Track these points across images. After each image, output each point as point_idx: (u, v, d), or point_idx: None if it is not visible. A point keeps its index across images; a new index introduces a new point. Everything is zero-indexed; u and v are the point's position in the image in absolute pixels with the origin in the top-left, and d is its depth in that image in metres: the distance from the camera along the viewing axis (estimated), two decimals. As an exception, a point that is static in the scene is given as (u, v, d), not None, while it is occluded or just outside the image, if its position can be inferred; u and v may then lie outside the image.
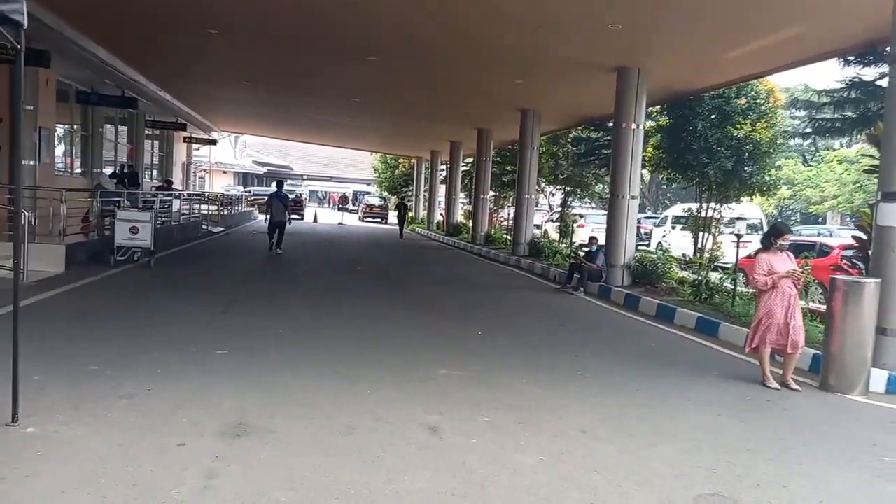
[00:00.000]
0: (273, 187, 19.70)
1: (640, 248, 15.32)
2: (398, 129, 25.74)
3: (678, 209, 20.93)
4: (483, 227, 22.17)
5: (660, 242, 19.84)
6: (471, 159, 26.19)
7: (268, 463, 3.51)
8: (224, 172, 50.59)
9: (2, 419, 3.77)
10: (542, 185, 24.50)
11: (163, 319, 6.99)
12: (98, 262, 10.52)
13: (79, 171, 18.99)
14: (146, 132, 26.42)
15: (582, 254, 12.87)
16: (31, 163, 14.67)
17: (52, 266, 9.50)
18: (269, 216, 15.60)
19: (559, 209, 24.56)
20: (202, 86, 20.62)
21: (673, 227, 19.93)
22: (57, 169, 16.77)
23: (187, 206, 20.60)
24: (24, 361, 3.95)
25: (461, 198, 29.63)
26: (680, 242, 17.14)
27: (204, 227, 21.37)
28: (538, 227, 26.63)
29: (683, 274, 12.03)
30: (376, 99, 18.95)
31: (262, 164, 55.12)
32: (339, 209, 36.14)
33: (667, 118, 15.26)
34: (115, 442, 3.64)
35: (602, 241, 12.68)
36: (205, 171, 43.64)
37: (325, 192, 64.98)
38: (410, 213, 36.45)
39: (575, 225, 21.98)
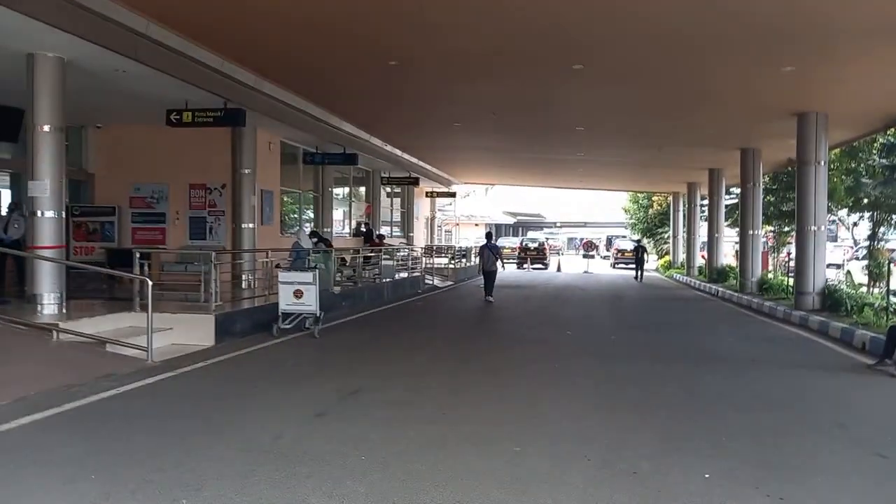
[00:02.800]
0: (484, 238, 18.67)
1: None
2: (645, 161, 22.23)
3: None
4: (755, 272, 17.46)
5: None
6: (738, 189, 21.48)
7: None
8: (476, 225, 51.11)
9: None
10: (838, 212, 18.86)
11: (231, 423, 5.06)
12: (264, 331, 9.32)
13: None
14: (385, 189, 26.97)
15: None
16: (251, 225, 14.76)
17: (202, 339, 8.44)
18: (480, 265, 16.69)
19: (866, 243, 18.54)
20: (427, 139, 19.85)
21: None
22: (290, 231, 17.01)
23: (406, 262, 19.63)
24: None
25: (729, 235, 24.66)
26: None
27: (428, 281, 20.26)
28: (837, 266, 20.64)
29: None
30: (610, 126, 16.09)
31: (513, 214, 54.73)
32: (585, 256, 33.12)
33: None
34: None
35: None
36: (455, 224, 44.30)
37: (581, 239, 62.20)
38: (667, 257, 32.06)
39: (892, 264, 16.14)
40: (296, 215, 19.37)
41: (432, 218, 33.63)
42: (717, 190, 22.31)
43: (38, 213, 9.04)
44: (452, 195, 32.09)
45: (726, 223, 23.27)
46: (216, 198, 15.04)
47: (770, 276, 17.45)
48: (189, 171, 14.95)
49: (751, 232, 17.47)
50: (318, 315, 9.44)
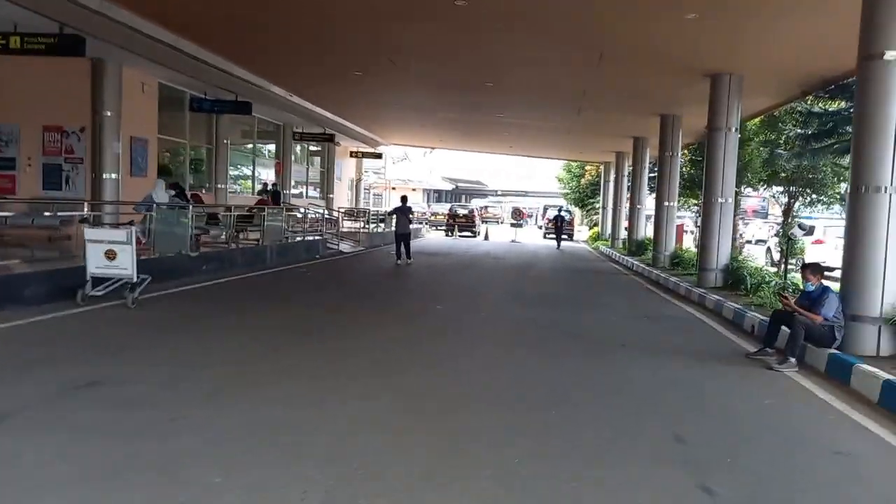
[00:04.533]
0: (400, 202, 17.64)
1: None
2: (568, 127, 21.14)
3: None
4: (668, 246, 16.70)
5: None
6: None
7: None
8: (413, 190, 49.67)
9: None
10: (759, 185, 18.27)
11: None
12: (65, 298, 7.84)
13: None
14: (301, 147, 25.27)
15: (792, 294, 7.52)
16: (113, 176, 13.09)
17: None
18: (394, 229, 16.91)
19: (781, 219, 18.02)
20: (330, 88, 18.17)
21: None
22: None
23: (308, 225, 18.17)
24: None
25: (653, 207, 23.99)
26: None
27: (332, 246, 18.88)
28: (763, 243, 20.15)
29: None
30: (519, 81, 14.83)
31: (453, 181, 53.51)
32: (513, 225, 32.22)
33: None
34: None
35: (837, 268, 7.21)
36: (390, 188, 42.76)
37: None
38: (596, 229, 31.48)
39: (805, 240, 15.64)
40: (199, 170, 17.67)
41: (358, 180, 32.04)
42: (640, 159, 21.45)
43: None
44: (378, 156, 30.51)
45: (651, 195, 22.54)
46: (74, 143, 13.25)
47: (683, 250, 16.72)
48: (44, 111, 13.12)
49: (666, 203, 16.64)
50: (134, 281, 8.00)
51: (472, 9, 9.19)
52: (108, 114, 13.03)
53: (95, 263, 7.94)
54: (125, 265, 7.96)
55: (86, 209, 9.18)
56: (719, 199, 12.16)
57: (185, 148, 16.95)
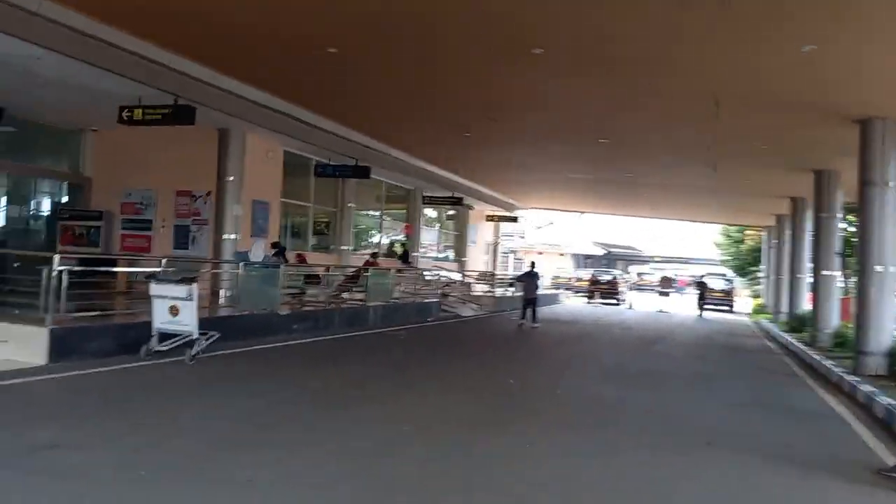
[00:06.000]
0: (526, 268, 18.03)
1: None
2: (710, 186, 19.22)
3: None
4: (828, 322, 14.12)
5: None
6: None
7: None
8: (560, 255, 48.39)
9: None
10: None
11: None
12: (128, 352, 7.99)
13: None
14: (433, 211, 25.49)
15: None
16: (233, 237, 13.79)
17: (32, 356, 7.23)
18: (522, 293, 17.25)
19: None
20: (446, 149, 18.18)
21: None
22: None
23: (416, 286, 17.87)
24: None
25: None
26: None
27: (450, 310, 18.40)
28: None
29: None
30: (632, 136, 13.73)
31: (604, 245, 51.43)
32: (661, 293, 29.72)
33: None
34: None
35: None
36: (535, 252, 41.95)
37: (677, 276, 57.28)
38: (760, 300, 28.15)
39: None
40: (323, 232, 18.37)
41: (495, 244, 31.67)
42: (799, 223, 18.80)
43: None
44: (514, 220, 30.00)
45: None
46: (200, 206, 14.20)
47: (849, 327, 14.03)
48: (176, 178, 14.26)
49: (824, 272, 14.17)
50: (194, 337, 7.99)
51: (550, 56, 8.49)
52: (231, 178, 13.87)
53: (160, 318, 8.08)
54: (187, 321, 8.00)
55: (163, 263, 9.49)
56: (876, 268, 9.95)
57: (309, 211, 17.65)
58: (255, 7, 8.30)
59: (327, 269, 13.54)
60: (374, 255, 17.89)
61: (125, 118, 11.24)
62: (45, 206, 15.49)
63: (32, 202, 15.45)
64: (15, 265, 10.68)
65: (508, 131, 14.24)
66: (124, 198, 14.71)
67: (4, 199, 14.64)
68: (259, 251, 11.51)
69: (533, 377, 9.33)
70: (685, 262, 56.44)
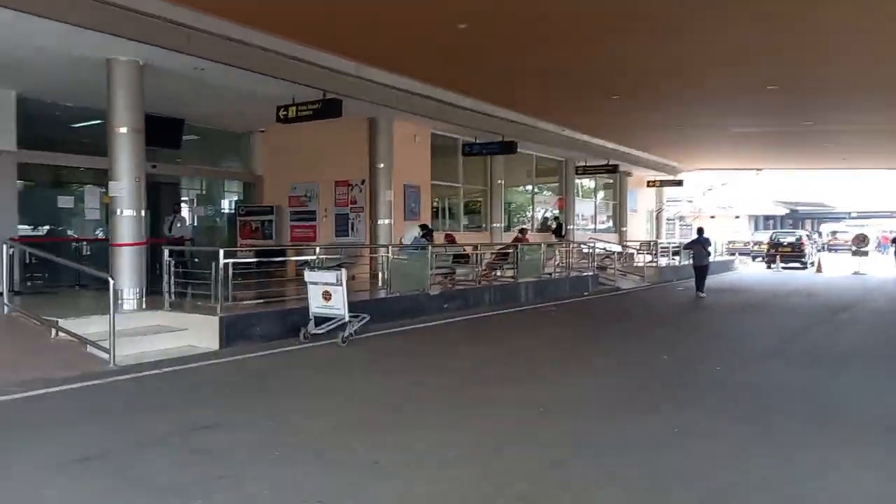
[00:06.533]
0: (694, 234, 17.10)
1: None
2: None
3: None
4: None
5: None
6: None
7: None
8: (736, 217, 44.65)
9: None
10: None
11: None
12: (290, 336, 8.63)
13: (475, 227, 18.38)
14: (582, 181, 24.61)
15: None
16: (387, 221, 14.38)
17: (208, 341, 8.05)
18: (691, 261, 16.74)
19: None
20: (601, 115, 17.39)
21: None
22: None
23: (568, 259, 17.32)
24: None
25: None
26: None
27: (608, 282, 17.73)
28: None
29: None
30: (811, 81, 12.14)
31: (787, 204, 46.58)
32: (855, 254, 26.27)
33: None
34: None
35: None
36: (706, 217, 39.10)
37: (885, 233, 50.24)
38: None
39: None
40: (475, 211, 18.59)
41: (658, 211, 29.96)
42: None
43: (118, 212, 9.56)
44: (678, 184, 28.11)
45: None
46: (356, 194, 14.94)
47: None
48: (335, 169, 15.11)
49: None
50: (345, 320, 8.43)
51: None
52: (381, 166, 14.43)
53: (315, 304, 8.62)
54: (338, 305, 8.45)
55: (317, 251, 10.10)
56: None
57: (459, 191, 17.87)
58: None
59: (476, 248, 13.60)
60: (522, 230, 17.72)
61: (281, 117, 12.07)
62: (227, 205, 17.19)
63: (216, 201, 17.23)
64: (195, 260, 11.95)
65: (664, 89, 13.29)
66: (291, 192, 15.88)
67: (195, 200, 16.49)
68: (409, 235, 11.85)
69: (690, 354, 8.67)
70: (890, 217, 49.46)
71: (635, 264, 21.33)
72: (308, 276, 8.60)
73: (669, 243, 24.81)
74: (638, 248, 23.04)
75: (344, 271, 8.40)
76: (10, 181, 11.39)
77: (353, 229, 15.08)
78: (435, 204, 16.76)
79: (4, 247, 9.00)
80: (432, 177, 16.11)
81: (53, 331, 7.57)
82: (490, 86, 13.85)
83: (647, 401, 5.96)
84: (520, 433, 4.99)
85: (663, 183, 27.59)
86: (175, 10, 8.93)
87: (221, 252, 8.31)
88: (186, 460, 4.30)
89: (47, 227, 13.05)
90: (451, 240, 14.06)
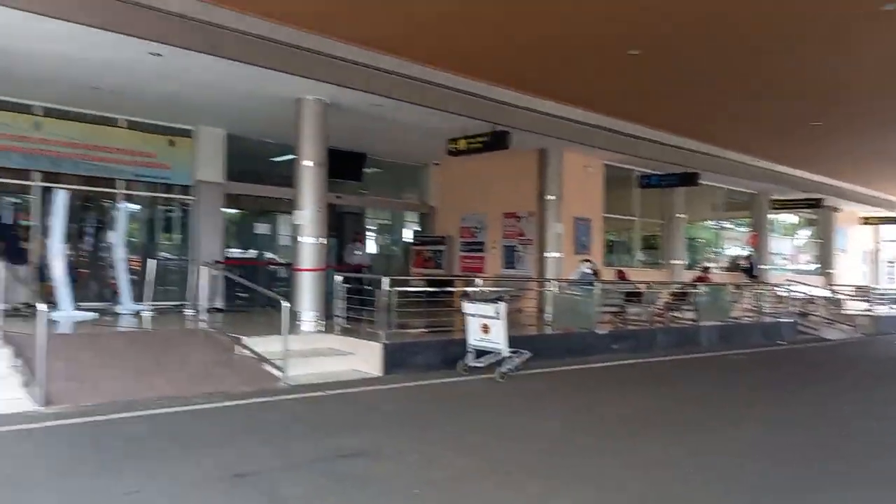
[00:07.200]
0: None
1: None
2: None
3: None
4: None
5: None
6: None
7: None
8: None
9: None
10: None
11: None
12: (449, 367, 8.56)
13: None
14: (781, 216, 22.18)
15: None
16: (556, 255, 14.07)
17: (372, 367, 8.24)
18: None
19: None
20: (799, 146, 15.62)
21: None
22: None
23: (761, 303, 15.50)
24: None
25: None
26: None
27: (809, 331, 15.66)
28: None
29: None
30: None
31: None
32: None
33: None
34: None
35: None
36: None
37: None
38: None
39: None
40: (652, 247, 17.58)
41: (876, 251, 26.16)
42: None
43: (300, 239, 10.30)
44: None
45: None
46: (524, 226, 14.78)
47: None
48: (503, 200, 15.12)
49: None
50: (504, 355, 8.18)
51: None
52: (551, 198, 14.16)
53: (474, 336, 8.49)
54: (497, 339, 8.26)
55: (477, 283, 10.01)
56: None
57: (634, 225, 16.97)
58: (555, 18, 8.25)
59: (648, 286, 12.71)
60: (705, 269, 16.31)
61: (451, 150, 12.36)
62: (403, 234, 17.90)
63: (395, 231, 18.02)
64: (366, 287, 12.44)
65: (877, 112, 11.61)
66: (461, 222, 16.14)
67: (375, 230, 17.41)
68: (578, 272, 11.41)
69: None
70: None
71: (844, 312, 18.70)
72: (466, 307, 8.52)
73: (888, 289, 21.50)
74: (849, 293, 20.21)
75: (503, 304, 8.19)
76: (219, 210, 12.80)
77: (519, 261, 14.90)
78: (611, 238, 16.05)
79: (204, 269, 10.05)
80: (605, 209, 15.48)
81: (237, 347, 8.21)
82: (668, 115, 13.08)
83: (824, 467, 4.95)
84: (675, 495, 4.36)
85: (882, 220, 24.10)
86: (358, 52, 9.52)
87: (386, 280, 8.52)
88: (327, 487, 4.30)
89: (248, 252, 14.50)
90: (622, 276, 13.31)
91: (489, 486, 4.43)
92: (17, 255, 9.80)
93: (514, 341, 8.43)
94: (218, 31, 8.16)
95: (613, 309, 11.86)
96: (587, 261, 12.50)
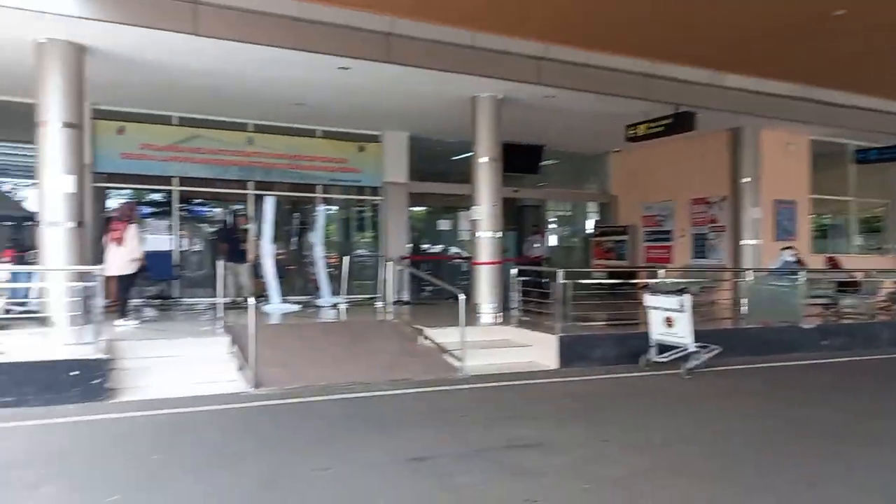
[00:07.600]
0: None
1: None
2: None
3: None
4: None
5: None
6: None
7: None
8: None
9: None
10: None
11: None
12: (629, 361, 8.24)
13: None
14: None
15: None
16: (753, 242, 13.01)
17: (549, 359, 8.19)
18: None
19: None
20: None
21: None
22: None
23: None
24: None
25: None
26: None
27: None
28: None
29: None
30: None
31: None
32: None
33: None
34: None
35: None
36: None
37: None
38: None
39: None
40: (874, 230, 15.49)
41: None
42: None
43: (478, 233, 10.57)
44: None
45: None
46: (716, 212, 13.75)
47: None
48: (691, 186, 14.27)
49: None
50: (689, 350, 7.69)
51: None
52: (746, 180, 13.03)
53: (657, 330, 8.10)
54: (682, 333, 7.80)
55: (660, 274, 9.45)
56: None
57: (849, 206, 14.99)
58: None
59: (868, 274, 11.13)
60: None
61: (630, 136, 11.87)
62: (583, 225, 17.55)
63: (575, 222, 17.74)
64: (543, 280, 12.38)
65: None
66: (644, 211, 15.44)
67: (555, 221, 17.28)
68: (780, 259, 10.38)
69: None
70: None
71: None
72: (648, 300, 8.13)
73: None
74: None
75: (688, 296, 7.70)
76: (404, 208, 13.56)
77: (712, 250, 13.89)
78: (824, 222, 14.37)
79: (390, 264, 10.72)
80: (812, 190, 13.88)
81: (420, 337, 8.65)
82: (885, 78, 11.31)
83: None
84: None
85: None
86: (527, 45, 9.52)
87: (560, 273, 8.43)
88: (499, 476, 4.38)
89: (434, 247, 15.21)
90: (833, 264, 11.84)
91: (663, 488, 4.21)
92: (238, 256, 11.24)
93: (702, 335, 7.91)
94: (397, 40, 8.66)
95: (823, 300, 10.59)
96: (789, 248, 11.30)
